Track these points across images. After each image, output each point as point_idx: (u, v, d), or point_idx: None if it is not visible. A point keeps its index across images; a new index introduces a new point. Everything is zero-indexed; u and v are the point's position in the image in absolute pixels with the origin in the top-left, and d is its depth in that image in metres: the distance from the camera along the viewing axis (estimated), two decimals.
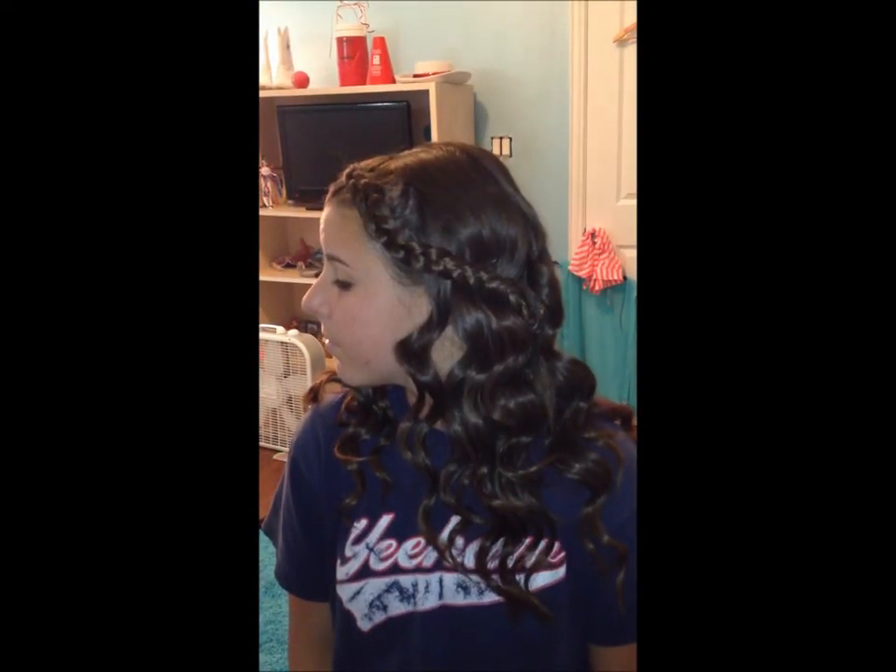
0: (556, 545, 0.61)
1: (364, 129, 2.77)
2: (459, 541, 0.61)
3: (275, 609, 1.95)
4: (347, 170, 0.58)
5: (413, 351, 0.56)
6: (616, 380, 2.72)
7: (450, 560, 0.60)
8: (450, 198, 0.54)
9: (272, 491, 0.73)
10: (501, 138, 2.82)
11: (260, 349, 2.58)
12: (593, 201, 2.72)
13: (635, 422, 0.54)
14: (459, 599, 0.62)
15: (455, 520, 0.60)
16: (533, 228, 0.58)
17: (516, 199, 0.58)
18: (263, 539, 1.32)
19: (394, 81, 2.68)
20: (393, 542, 0.63)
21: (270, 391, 2.70)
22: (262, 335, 2.58)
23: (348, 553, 0.65)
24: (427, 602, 0.63)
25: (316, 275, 2.99)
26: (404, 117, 2.68)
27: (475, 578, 0.61)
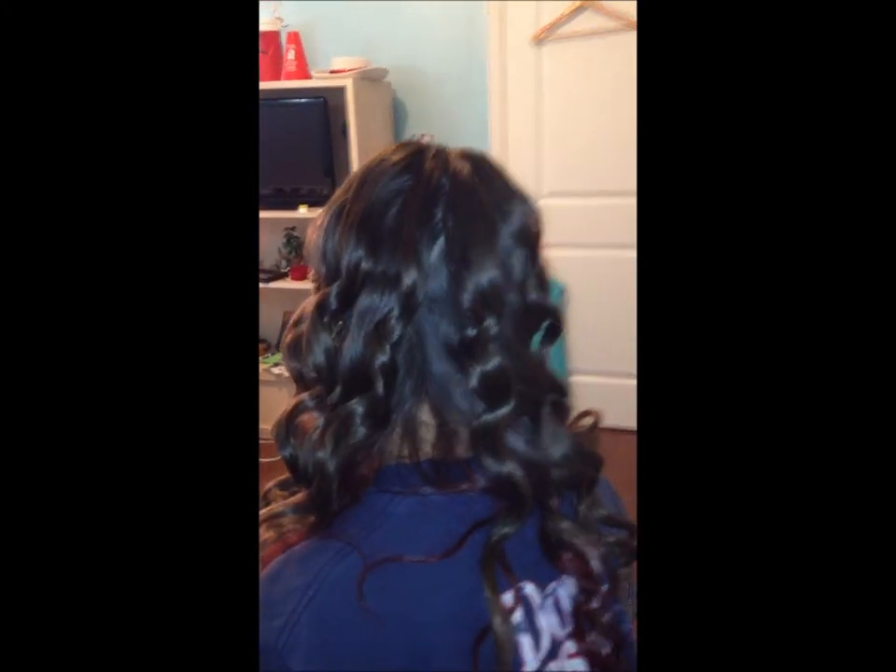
0: None
1: (281, 125, 2.70)
2: None
3: None
4: None
5: None
6: None
7: None
8: None
9: None
10: (422, 136, 2.80)
11: None
12: None
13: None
14: None
15: None
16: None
17: (361, 208, 0.50)
18: None
19: (310, 77, 2.62)
20: None
21: None
22: None
23: None
24: None
25: None
26: (321, 113, 2.63)
27: None
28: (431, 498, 0.48)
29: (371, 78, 2.63)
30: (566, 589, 0.52)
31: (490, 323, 0.48)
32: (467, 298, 0.47)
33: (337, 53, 2.67)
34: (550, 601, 0.51)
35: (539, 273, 0.53)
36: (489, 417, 0.48)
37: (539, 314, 0.53)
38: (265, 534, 0.50)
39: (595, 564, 0.52)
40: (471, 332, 0.48)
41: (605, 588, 0.53)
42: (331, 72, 2.59)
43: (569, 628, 0.52)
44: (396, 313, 0.47)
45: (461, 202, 0.49)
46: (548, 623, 0.51)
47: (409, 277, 0.47)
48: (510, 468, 0.49)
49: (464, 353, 0.48)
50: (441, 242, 0.48)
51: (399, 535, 0.47)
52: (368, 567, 0.45)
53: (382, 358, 0.47)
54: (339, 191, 0.53)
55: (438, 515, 0.48)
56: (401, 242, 0.48)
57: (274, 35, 2.66)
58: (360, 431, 0.48)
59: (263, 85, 2.65)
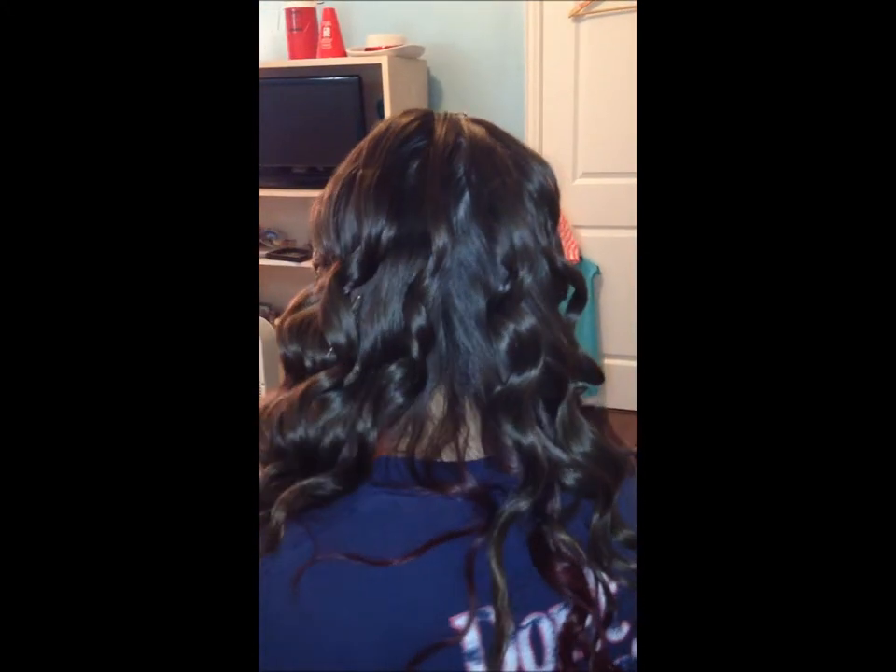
0: None
1: (315, 104, 2.70)
2: None
3: None
4: None
5: None
6: None
7: None
8: None
9: None
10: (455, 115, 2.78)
11: None
12: None
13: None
14: None
15: None
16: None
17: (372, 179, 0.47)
18: None
19: (345, 55, 2.61)
20: None
21: None
22: None
23: None
24: None
25: (266, 256, 2.90)
26: (356, 91, 2.62)
27: None
28: (404, 499, 0.45)
29: (406, 56, 2.61)
30: (551, 623, 0.46)
31: (524, 275, 0.45)
32: (500, 251, 0.45)
33: (372, 30, 2.65)
34: (524, 633, 0.46)
35: (558, 238, 0.52)
36: (516, 380, 0.45)
37: (564, 279, 0.50)
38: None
39: (592, 583, 0.46)
40: (505, 288, 0.45)
41: (625, 632, 0.49)
42: (367, 49, 2.58)
43: (550, 667, 0.46)
44: (430, 270, 0.44)
45: (481, 158, 0.47)
46: (516, 657, 0.45)
47: (439, 237, 0.44)
48: (531, 439, 0.45)
49: (497, 310, 0.45)
50: (466, 198, 0.46)
51: (359, 532, 0.44)
52: (309, 561, 0.42)
53: (419, 321, 0.44)
54: (343, 164, 0.50)
55: (405, 518, 0.45)
56: (427, 198, 0.45)
57: (310, 12, 2.65)
58: (397, 398, 0.45)
59: (298, 63, 2.65)
